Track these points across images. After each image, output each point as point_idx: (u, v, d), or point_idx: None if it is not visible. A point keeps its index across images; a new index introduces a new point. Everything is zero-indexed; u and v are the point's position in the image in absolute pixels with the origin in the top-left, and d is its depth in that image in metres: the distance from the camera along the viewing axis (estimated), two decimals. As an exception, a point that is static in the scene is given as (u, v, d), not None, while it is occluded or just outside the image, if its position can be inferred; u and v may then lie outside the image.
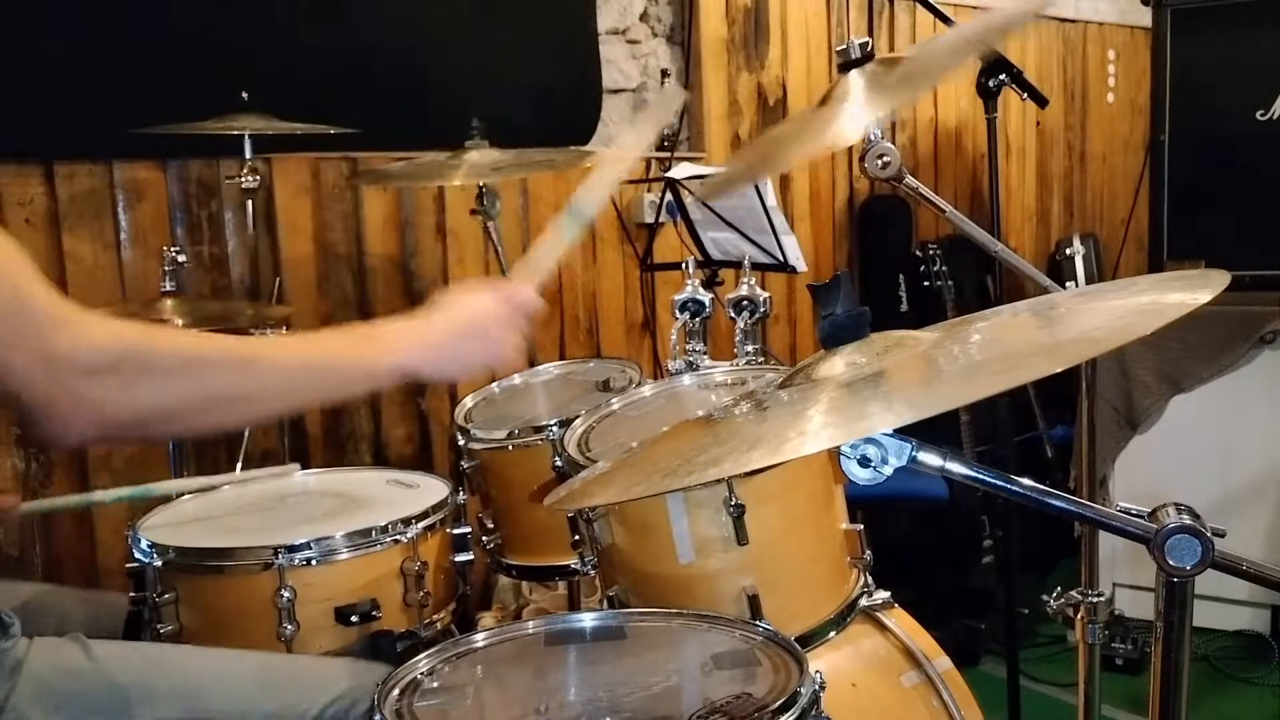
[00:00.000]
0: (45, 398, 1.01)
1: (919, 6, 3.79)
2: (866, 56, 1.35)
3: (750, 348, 1.90)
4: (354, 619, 1.60)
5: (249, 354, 1.14)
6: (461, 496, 1.83)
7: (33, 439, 1.16)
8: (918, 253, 3.73)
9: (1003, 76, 2.30)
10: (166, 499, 1.84)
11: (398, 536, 1.65)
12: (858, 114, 1.28)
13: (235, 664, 1.43)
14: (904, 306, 3.83)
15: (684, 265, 2.00)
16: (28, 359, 1.00)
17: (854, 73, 1.33)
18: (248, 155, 2.34)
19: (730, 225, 2.74)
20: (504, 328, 1.27)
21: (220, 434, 1.08)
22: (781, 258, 2.68)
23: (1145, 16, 3.35)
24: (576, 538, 1.67)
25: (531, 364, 2.29)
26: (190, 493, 1.87)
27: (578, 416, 1.73)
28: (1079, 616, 1.50)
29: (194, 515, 1.83)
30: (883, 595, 1.59)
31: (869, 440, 0.87)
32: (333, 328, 1.17)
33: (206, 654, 1.47)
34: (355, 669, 1.43)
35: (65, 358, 1.01)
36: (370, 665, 1.46)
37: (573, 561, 1.81)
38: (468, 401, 2.12)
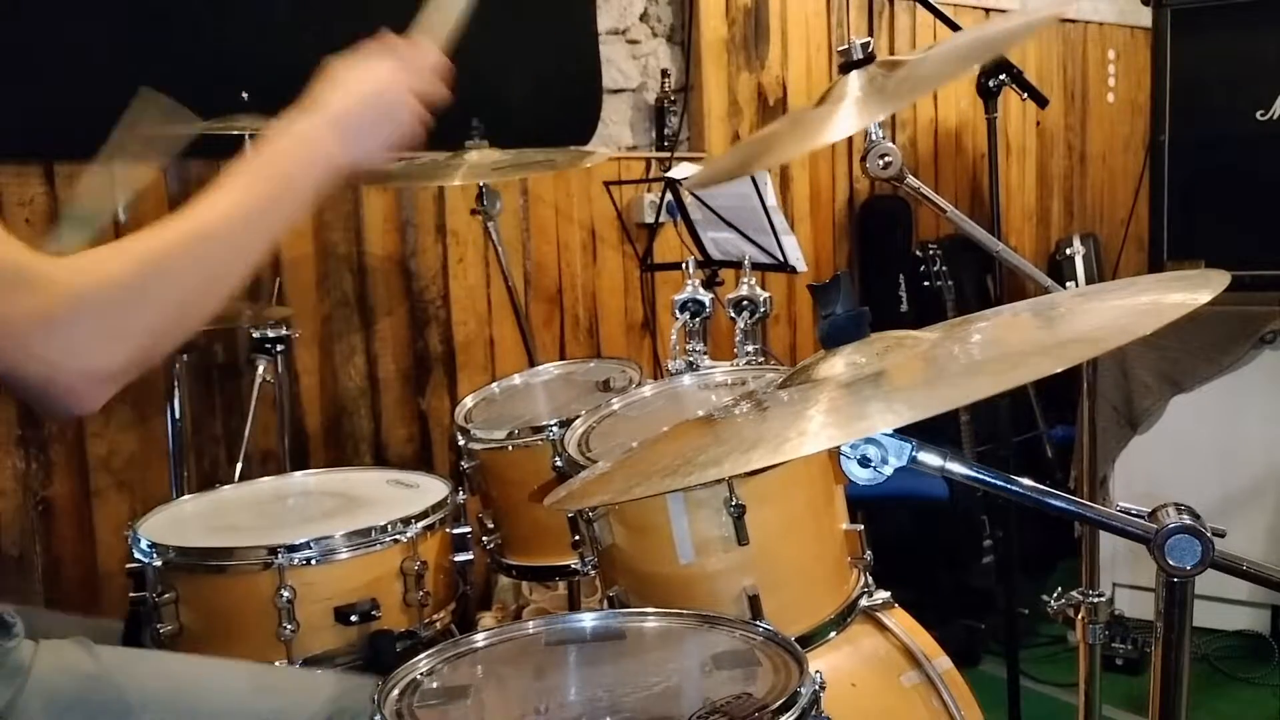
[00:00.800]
0: (43, 370, 0.94)
1: (919, 6, 3.79)
2: (868, 57, 1.35)
3: (750, 348, 1.90)
4: (354, 619, 1.59)
5: (199, 230, 1.05)
6: (461, 496, 1.82)
7: (52, 417, 1.09)
8: (918, 253, 3.73)
9: (1003, 76, 2.30)
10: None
11: (398, 536, 1.65)
12: (855, 114, 1.27)
13: (236, 675, 1.42)
14: (904, 306, 3.83)
15: (684, 265, 2.00)
16: (16, 337, 0.93)
17: (854, 74, 1.33)
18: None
19: (730, 225, 2.74)
20: (408, 94, 1.20)
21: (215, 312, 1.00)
22: (781, 258, 2.68)
23: (1145, 16, 3.35)
24: (576, 538, 1.67)
25: (531, 364, 2.29)
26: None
27: (578, 416, 1.73)
28: (1079, 616, 1.50)
29: (194, 515, 1.83)
30: (883, 595, 1.59)
31: (869, 440, 0.87)
32: (253, 153, 1.14)
33: (211, 664, 1.46)
34: (352, 683, 1.44)
35: (44, 322, 0.93)
36: (365, 680, 1.46)
37: (573, 561, 1.81)
38: (468, 401, 2.12)
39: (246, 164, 1.11)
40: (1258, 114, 3.12)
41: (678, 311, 1.94)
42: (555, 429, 1.81)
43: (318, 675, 1.50)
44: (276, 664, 1.56)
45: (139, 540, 1.64)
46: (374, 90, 1.19)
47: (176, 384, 2.22)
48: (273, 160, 1.12)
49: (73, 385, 0.96)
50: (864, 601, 1.54)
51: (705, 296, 1.95)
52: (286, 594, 1.55)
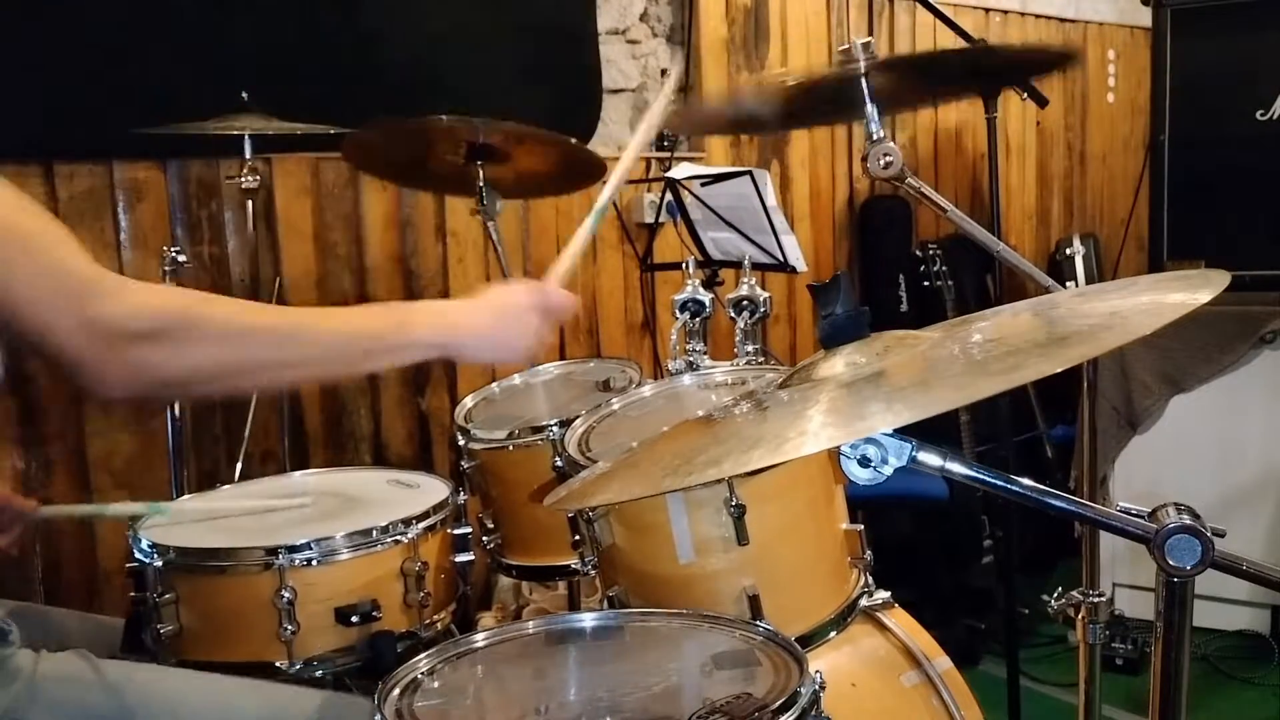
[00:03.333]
0: (91, 361, 1.06)
1: (919, 6, 3.79)
2: (868, 57, 1.35)
3: (750, 348, 1.90)
4: (354, 619, 1.59)
5: (295, 325, 1.20)
6: (462, 496, 1.82)
7: (77, 391, 1.35)
8: (918, 253, 3.73)
9: (1003, 76, 2.30)
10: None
11: (398, 537, 1.65)
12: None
13: (234, 691, 1.43)
14: (904, 306, 3.83)
15: (684, 265, 2.00)
16: (71, 323, 1.04)
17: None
18: (248, 155, 2.33)
19: (730, 225, 2.74)
20: (539, 320, 1.34)
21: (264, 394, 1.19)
22: (781, 258, 2.68)
23: (1145, 16, 3.35)
24: (576, 538, 1.67)
25: (532, 364, 2.29)
26: (199, 510, 1.85)
27: (578, 416, 1.73)
28: (1079, 616, 1.50)
29: (194, 515, 1.83)
30: (883, 595, 1.59)
31: (869, 440, 0.87)
32: (376, 304, 1.29)
33: (210, 680, 1.46)
34: (348, 701, 1.45)
35: (110, 323, 1.05)
36: (359, 699, 1.47)
37: (573, 561, 1.81)
38: (468, 401, 2.12)
39: (375, 307, 1.28)
40: (1258, 114, 3.12)
41: (678, 311, 1.94)
42: (555, 429, 1.81)
43: (313, 694, 1.50)
44: (277, 664, 1.57)
45: (139, 540, 1.64)
46: (510, 306, 1.33)
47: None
48: (393, 318, 1.26)
49: (118, 381, 1.08)
50: (864, 601, 1.54)
51: (705, 296, 1.95)
52: (287, 595, 1.55)
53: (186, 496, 1.97)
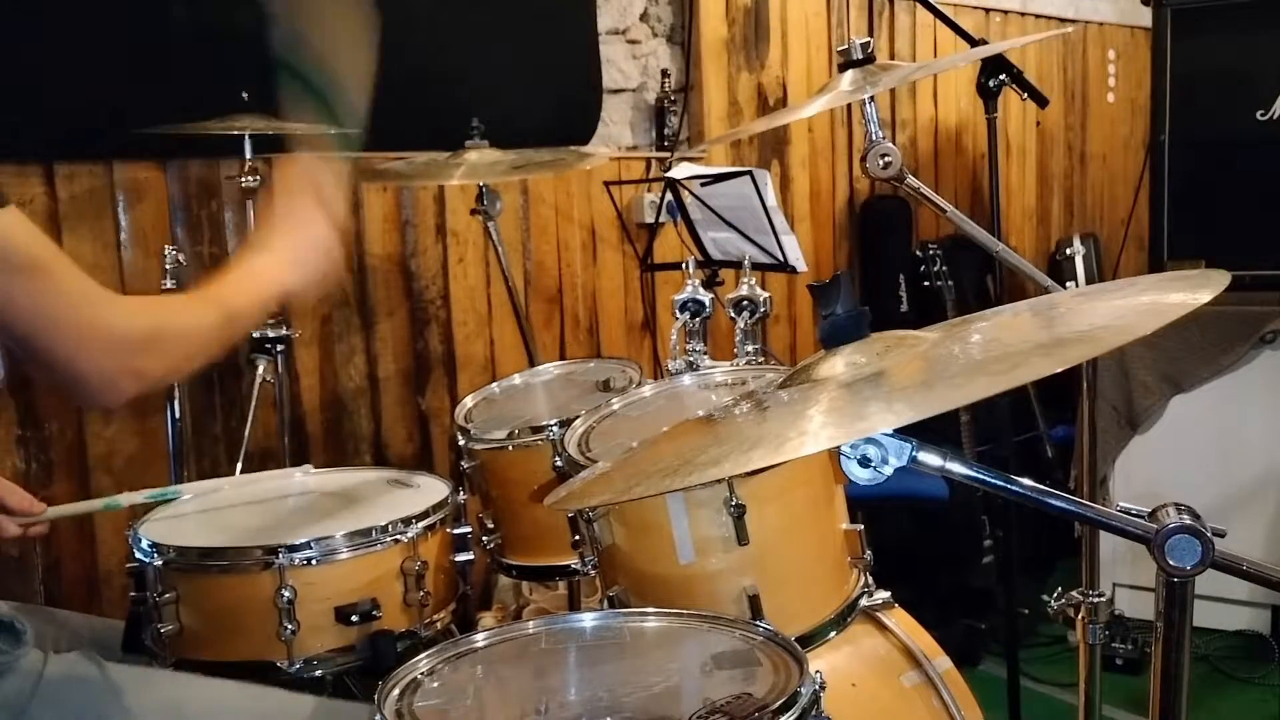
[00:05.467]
0: (107, 373, 1.18)
1: (919, 6, 3.79)
2: (868, 57, 1.35)
3: (750, 348, 1.90)
4: (354, 619, 1.59)
5: (226, 314, 1.35)
6: (462, 496, 1.82)
7: (81, 404, 1.62)
8: (918, 253, 3.74)
9: (1003, 76, 2.30)
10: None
11: (398, 536, 1.65)
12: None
13: (237, 698, 1.43)
14: (904, 306, 3.84)
15: (684, 265, 2.00)
16: (91, 338, 1.16)
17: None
18: (248, 155, 2.33)
19: (730, 225, 2.74)
20: (330, 241, 1.48)
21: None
22: (781, 258, 2.68)
23: (1145, 16, 3.35)
24: (576, 538, 1.67)
25: (531, 364, 2.29)
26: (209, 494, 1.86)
27: (578, 416, 1.73)
28: (1079, 616, 1.50)
29: (194, 514, 1.83)
30: (883, 595, 1.59)
31: (869, 440, 0.87)
32: (225, 271, 1.43)
33: (213, 686, 1.46)
34: (348, 708, 1.45)
35: (121, 337, 1.19)
36: (358, 705, 1.47)
37: (573, 561, 1.81)
38: (468, 401, 2.12)
39: (236, 277, 1.41)
40: (1258, 114, 3.12)
41: (678, 311, 1.94)
42: (555, 429, 1.81)
43: (315, 701, 1.50)
44: (277, 664, 1.57)
45: (140, 540, 1.64)
46: (312, 239, 1.46)
47: (176, 384, 2.22)
48: (259, 280, 1.41)
49: (127, 388, 1.21)
50: (864, 601, 1.54)
51: (705, 296, 1.95)
52: (287, 594, 1.55)
53: (187, 496, 1.96)
